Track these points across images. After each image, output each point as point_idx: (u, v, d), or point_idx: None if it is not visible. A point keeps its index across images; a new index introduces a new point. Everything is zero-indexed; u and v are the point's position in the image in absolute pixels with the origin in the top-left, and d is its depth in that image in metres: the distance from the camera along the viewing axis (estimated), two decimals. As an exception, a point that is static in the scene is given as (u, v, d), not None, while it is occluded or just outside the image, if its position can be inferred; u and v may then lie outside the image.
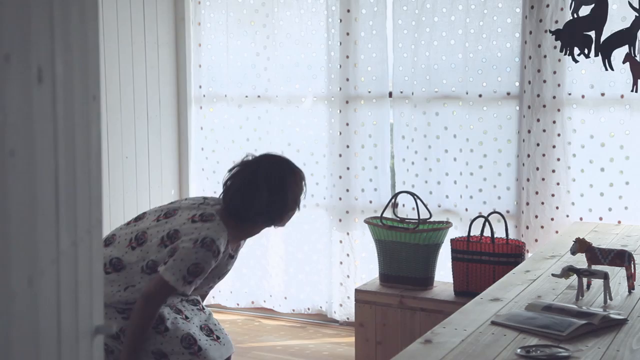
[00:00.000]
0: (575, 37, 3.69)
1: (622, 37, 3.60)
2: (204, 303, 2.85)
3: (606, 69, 3.68)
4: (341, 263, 4.55)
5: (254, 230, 2.69)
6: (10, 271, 0.94)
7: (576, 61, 3.71)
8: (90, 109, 1.26)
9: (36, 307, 1.02)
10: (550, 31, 3.81)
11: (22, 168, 0.97)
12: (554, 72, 3.94)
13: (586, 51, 3.69)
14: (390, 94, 4.42)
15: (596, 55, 3.65)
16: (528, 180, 4.04)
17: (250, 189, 2.56)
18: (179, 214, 2.60)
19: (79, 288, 1.21)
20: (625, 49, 3.66)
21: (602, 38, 3.63)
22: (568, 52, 3.74)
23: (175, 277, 2.44)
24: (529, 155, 4.03)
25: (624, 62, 3.62)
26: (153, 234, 2.57)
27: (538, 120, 3.99)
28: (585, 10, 3.71)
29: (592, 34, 3.67)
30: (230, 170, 2.66)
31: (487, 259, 3.54)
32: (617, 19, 3.73)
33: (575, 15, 3.74)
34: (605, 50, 3.64)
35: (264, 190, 2.55)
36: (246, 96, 4.80)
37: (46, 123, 1.05)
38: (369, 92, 4.43)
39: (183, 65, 4.91)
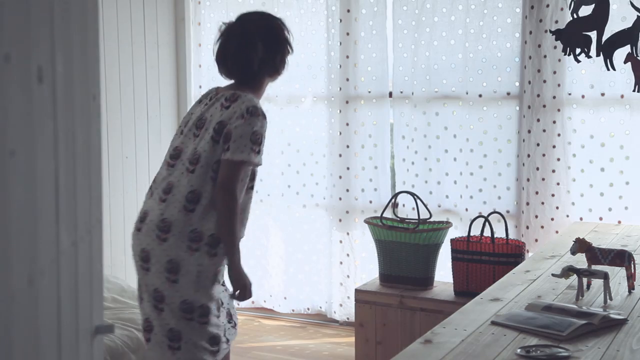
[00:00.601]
0: (575, 37, 3.70)
1: (624, 37, 3.60)
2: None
3: (608, 69, 3.68)
4: (341, 263, 4.55)
5: (263, 87, 2.75)
6: (11, 271, 0.94)
7: (578, 61, 3.71)
8: (90, 109, 1.26)
9: (36, 306, 1.02)
10: (551, 31, 3.81)
11: (22, 168, 0.97)
12: (554, 72, 3.94)
13: (586, 51, 3.70)
14: (390, 94, 4.42)
15: (598, 55, 3.65)
16: (528, 180, 4.04)
17: (246, 48, 2.64)
18: (207, 117, 2.62)
19: (79, 288, 1.21)
20: (624, 49, 3.66)
21: (604, 38, 3.63)
22: (569, 52, 3.74)
23: (245, 153, 2.51)
24: (529, 155, 4.03)
25: (625, 62, 3.62)
26: (203, 146, 2.58)
27: (538, 120, 3.99)
28: (584, 10, 3.71)
29: (594, 34, 3.67)
30: (217, 45, 2.70)
31: (487, 259, 3.53)
32: (617, 18, 3.72)
33: (575, 16, 3.74)
34: (606, 50, 3.64)
35: (258, 43, 2.64)
36: (246, 96, 4.79)
37: (46, 123, 1.05)
38: (369, 92, 4.43)
39: (183, 65, 4.91)
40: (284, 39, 2.72)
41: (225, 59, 2.67)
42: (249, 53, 2.64)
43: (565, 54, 3.80)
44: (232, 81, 2.72)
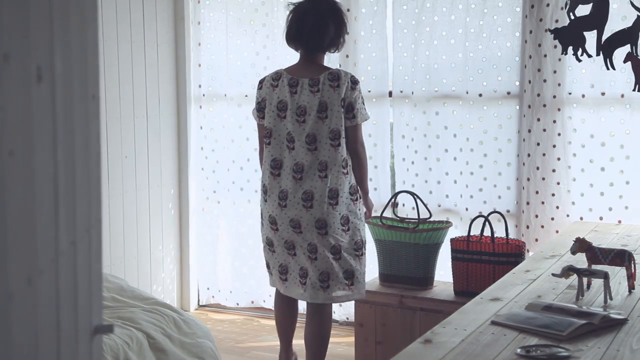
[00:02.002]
0: (570, 36, 3.70)
1: (624, 37, 3.60)
2: None
3: (607, 69, 3.67)
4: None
5: (324, 60, 3.47)
6: (10, 271, 0.94)
7: (579, 60, 3.70)
8: (89, 108, 1.26)
9: (35, 306, 1.02)
10: (550, 30, 3.81)
11: (21, 168, 0.97)
12: (554, 72, 3.94)
13: (580, 51, 3.69)
14: (390, 94, 4.41)
15: (598, 54, 3.65)
16: (528, 179, 4.04)
17: (321, 28, 3.32)
18: (306, 104, 3.30)
19: (78, 287, 1.21)
20: (624, 48, 3.66)
21: (603, 37, 3.63)
22: (566, 51, 3.74)
23: (364, 115, 3.37)
24: (529, 155, 4.03)
25: (625, 62, 3.62)
26: (337, 123, 3.28)
27: (538, 119, 3.99)
28: (581, 10, 3.71)
29: (594, 33, 3.67)
30: (291, 22, 3.35)
31: (487, 259, 3.53)
32: (618, 18, 3.72)
33: (572, 15, 3.74)
34: (607, 50, 3.64)
35: (330, 24, 3.32)
36: (246, 95, 4.79)
37: (45, 122, 1.05)
38: (369, 91, 4.42)
39: (182, 65, 4.91)
40: (345, 25, 3.40)
41: (301, 35, 3.34)
42: (322, 32, 3.31)
43: (563, 53, 3.80)
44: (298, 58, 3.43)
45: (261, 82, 3.47)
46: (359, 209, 3.41)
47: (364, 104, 3.37)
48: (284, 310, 3.68)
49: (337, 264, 3.35)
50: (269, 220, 3.40)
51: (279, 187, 3.34)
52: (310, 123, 3.28)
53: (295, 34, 3.35)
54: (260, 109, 3.44)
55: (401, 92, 4.35)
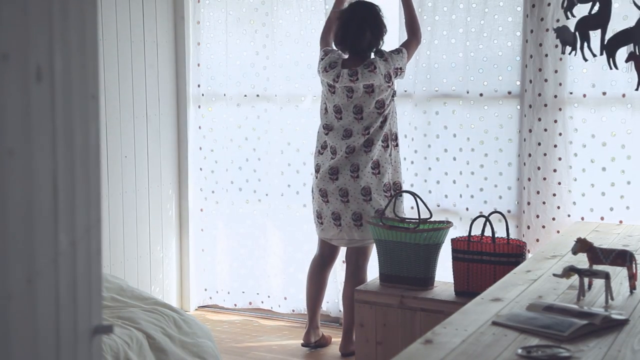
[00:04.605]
0: (565, 35, 3.69)
1: (627, 36, 3.60)
2: None
3: (610, 68, 3.67)
4: (343, 262, 4.54)
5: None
6: (9, 271, 0.93)
7: (585, 59, 3.69)
8: (89, 108, 1.26)
9: (35, 307, 1.02)
10: (554, 29, 3.80)
11: (20, 167, 0.96)
12: (555, 71, 3.93)
13: (572, 50, 3.68)
14: (391, 93, 4.40)
15: (601, 54, 3.64)
16: (529, 179, 4.03)
17: (360, 35, 3.93)
18: (355, 86, 3.95)
19: (78, 288, 1.20)
20: (624, 48, 3.65)
21: (606, 37, 3.62)
22: (575, 51, 3.73)
23: (401, 58, 4.02)
24: (530, 155, 4.02)
25: (627, 61, 3.61)
26: (366, 104, 3.95)
27: (539, 119, 3.98)
28: (579, 9, 3.70)
29: (598, 32, 3.66)
30: (337, 28, 3.98)
31: (488, 259, 3.52)
32: (619, 17, 3.72)
33: (569, 14, 3.73)
34: (610, 49, 3.64)
35: (367, 31, 3.93)
36: (245, 95, 4.79)
37: (45, 122, 1.05)
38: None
39: (182, 64, 4.90)
40: (384, 25, 3.98)
41: (345, 41, 3.96)
42: (362, 38, 3.92)
43: (570, 53, 3.79)
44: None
45: (325, 54, 4.08)
46: (390, 155, 4.01)
47: (392, 54, 3.98)
48: (314, 281, 4.20)
49: (369, 205, 3.94)
50: (315, 169, 4.09)
51: (329, 144, 4.01)
52: (358, 97, 3.94)
53: (341, 40, 3.98)
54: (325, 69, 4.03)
55: (405, 91, 4.35)
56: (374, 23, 3.93)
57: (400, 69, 3.99)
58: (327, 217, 4.03)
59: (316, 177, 4.06)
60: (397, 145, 4.04)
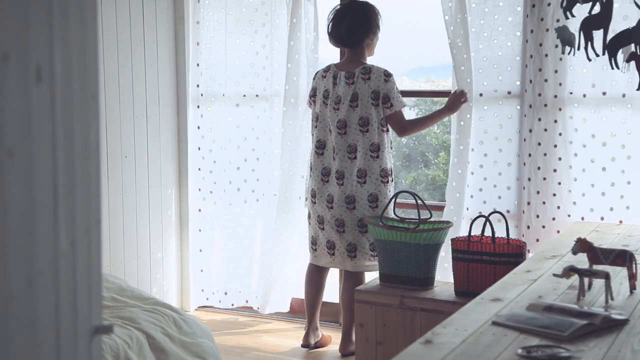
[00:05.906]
0: (565, 34, 3.69)
1: (629, 36, 3.59)
2: None
3: (612, 68, 3.66)
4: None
5: (365, 50, 4.08)
6: (9, 271, 0.93)
7: (590, 59, 3.68)
8: (89, 108, 1.26)
9: (35, 307, 1.01)
10: (555, 29, 3.80)
11: (20, 167, 0.96)
12: (556, 71, 3.93)
13: (571, 50, 3.68)
14: (391, 93, 4.40)
15: (604, 54, 3.64)
16: (529, 179, 4.03)
17: (352, 30, 3.96)
18: (342, 94, 3.97)
19: (78, 288, 1.20)
20: (624, 47, 3.65)
21: (608, 37, 3.62)
22: (578, 49, 3.72)
23: (401, 102, 3.94)
24: (530, 155, 4.02)
25: (628, 61, 3.61)
26: (367, 112, 3.93)
27: (539, 119, 3.98)
28: (578, 9, 3.69)
29: (601, 32, 3.66)
30: (330, 23, 4.02)
31: (488, 259, 3.52)
32: (619, 17, 3.71)
33: (568, 14, 3.73)
34: (611, 49, 3.63)
35: (360, 27, 3.96)
36: (244, 95, 4.79)
37: (45, 122, 1.05)
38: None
39: (182, 64, 4.90)
40: (376, 24, 4.02)
41: (340, 36, 4.00)
42: (354, 34, 3.97)
43: (577, 51, 3.78)
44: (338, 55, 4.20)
45: (315, 74, 4.18)
46: (389, 191, 3.97)
47: (399, 94, 3.92)
48: (313, 282, 4.23)
49: (364, 237, 3.96)
50: (311, 194, 4.10)
51: (322, 165, 4.04)
52: (343, 110, 3.94)
53: (329, 30, 4.06)
54: (312, 96, 4.16)
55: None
56: (358, 13, 3.98)
57: (388, 96, 3.93)
58: (321, 244, 4.09)
59: (313, 203, 4.11)
60: (391, 181, 4.04)
